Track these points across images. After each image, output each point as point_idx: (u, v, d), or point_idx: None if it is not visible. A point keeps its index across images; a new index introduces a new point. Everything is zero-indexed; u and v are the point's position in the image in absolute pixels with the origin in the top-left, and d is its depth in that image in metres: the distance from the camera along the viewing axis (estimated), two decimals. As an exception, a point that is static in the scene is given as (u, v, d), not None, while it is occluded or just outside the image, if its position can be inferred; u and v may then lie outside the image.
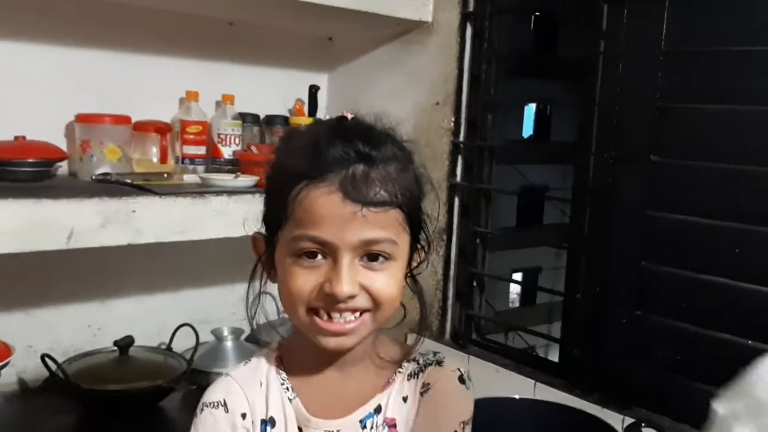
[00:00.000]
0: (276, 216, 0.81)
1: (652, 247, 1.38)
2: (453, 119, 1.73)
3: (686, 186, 1.35)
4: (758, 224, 1.23)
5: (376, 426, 0.86)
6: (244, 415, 0.86)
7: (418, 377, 0.88)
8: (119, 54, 1.69)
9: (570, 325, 1.58)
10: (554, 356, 1.68)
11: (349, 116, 0.84)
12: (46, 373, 1.57)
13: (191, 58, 1.80)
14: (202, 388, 1.57)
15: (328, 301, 0.79)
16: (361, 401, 0.87)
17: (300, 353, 0.88)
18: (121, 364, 1.59)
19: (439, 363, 0.89)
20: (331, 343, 0.82)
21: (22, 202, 1.21)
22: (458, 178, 1.77)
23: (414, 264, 0.87)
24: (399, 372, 0.89)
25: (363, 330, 0.82)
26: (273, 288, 0.89)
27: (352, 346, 0.84)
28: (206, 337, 1.77)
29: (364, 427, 0.86)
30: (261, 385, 0.88)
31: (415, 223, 0.84)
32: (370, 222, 0.77)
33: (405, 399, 0.87)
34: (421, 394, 0.87)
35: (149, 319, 1.78)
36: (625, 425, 1.27)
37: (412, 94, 1.80)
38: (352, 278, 0.78)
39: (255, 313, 0.92)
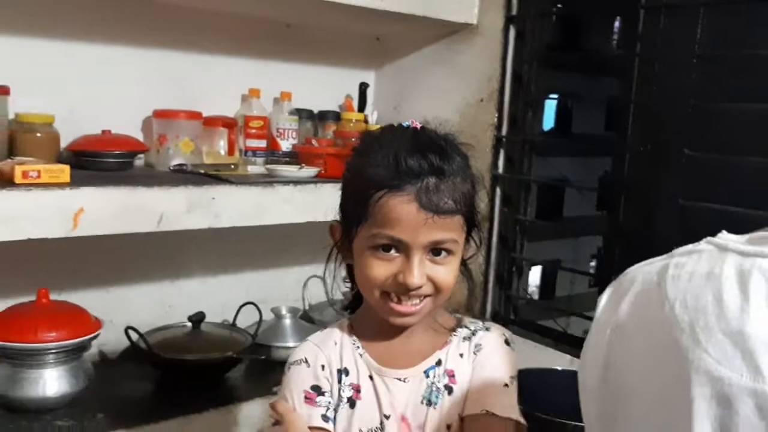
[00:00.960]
0: (356, 213, 0.97)
1: (686, 235, 1.50)
2: (496, 115, 1.87)
3: (719, 178, 1.47)
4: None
5: (438, 376, 1.03)
6: (323, 367, 1.03)
7: (471, 340, 1.05)
8: (190, 55, 1.83)
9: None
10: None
11: (419, 126, 1.00)
12: (124, 345, 1.74)
13: (253, 58, 1.94)
14: (265, 361, 1.75)
15: (400, 289, 0.95)
16: (424, 356, 1.04)
17: (369, 323, 1.06)
18: (194, 336, 1.75)
19: (488, 329, 1.08)
20: (398, 321, 0.99)
21: (120, 189, 1.36)
22: (500, 170, 1.90)
23: (467, 254, 1.05)
24: (455, 335, 1.06)
25: (425, 310, 0.99)
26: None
27: (415, 323, 1.01)
28: (265, 315, 1.92)
29: (428, 376, 1.02)
30: (335, 344, 1.06)
31: (471, 221, 1.01)
32: (438, 226, 0.93)
33: (461, 355, 1.04)
34: (474, 353, 1.04)
35: (214, 298, 1.93)
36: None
37: (458, 91, 1.93)
38: (421, 271, 0.94)
39: (331, 291, 1.10)
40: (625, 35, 1.63)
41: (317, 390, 1.02)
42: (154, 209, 1.41)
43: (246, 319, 1.89)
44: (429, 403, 1.01)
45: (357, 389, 1.02)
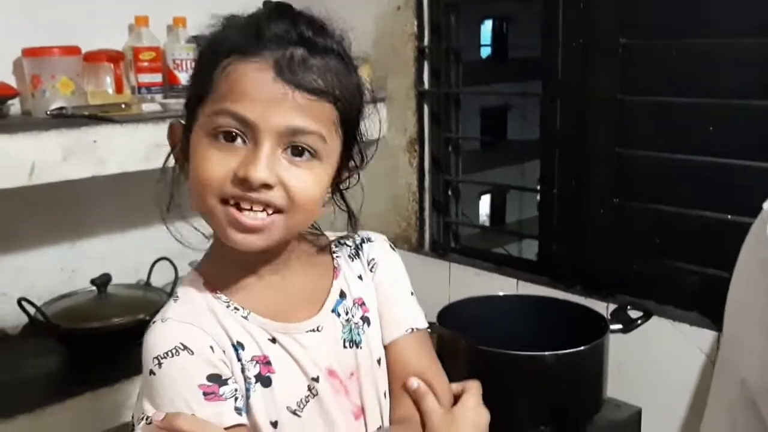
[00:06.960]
0: (198, 93, 0.76)
1: (626, 132, 1.38)
2: (416, 23, 1.68)
3: (657, 68, 1.33)
4: (731, 99, 1.23)
5: (349, 309, 0.86)
6: (212, 348, 0.76)
7: (359, 256, 0.90)
8: (59, -20, 1.59)
9: (547, 222, 1.58)
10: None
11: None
12: (25, 320, 1.55)
13: (136, -20, 1.70)
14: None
15: (241, 188, 0.72)
16: (323, 293, 0.86)
17: (227, 271, 0.81)
18: (100, 302, 1.55)
19: (370, 239, 0.92)
20: (239, 238, 0.74)
21: (-25, 140, 1.15)
22: (426, 85, 1.73)
23: (343, 177, 0.83)
24: (337, 257, 0.89)
25: (274, 232, 0.76)
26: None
27: (261, 248, 0.77)
28: (184, 270, 1.74)
29: (338, 315, 0.85)
30: (210, 312, 0.79)
31: (349, 129, 0.79)
32: (300, 108, 0.72)
33: (360, 277, 0.89)
34: (371, 270, 0.90)
35: (124, 257, 1.74)
36: (611, 310, 1.29)
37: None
38: (271, 166, 0.72)
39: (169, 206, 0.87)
40: None
41: (217, 379, 0.75)
42: (22, 159, 1.21)
43: (163, 278, 1.70)
44: (353, 344, 0.85)
45: (264, 361, 0.79)
